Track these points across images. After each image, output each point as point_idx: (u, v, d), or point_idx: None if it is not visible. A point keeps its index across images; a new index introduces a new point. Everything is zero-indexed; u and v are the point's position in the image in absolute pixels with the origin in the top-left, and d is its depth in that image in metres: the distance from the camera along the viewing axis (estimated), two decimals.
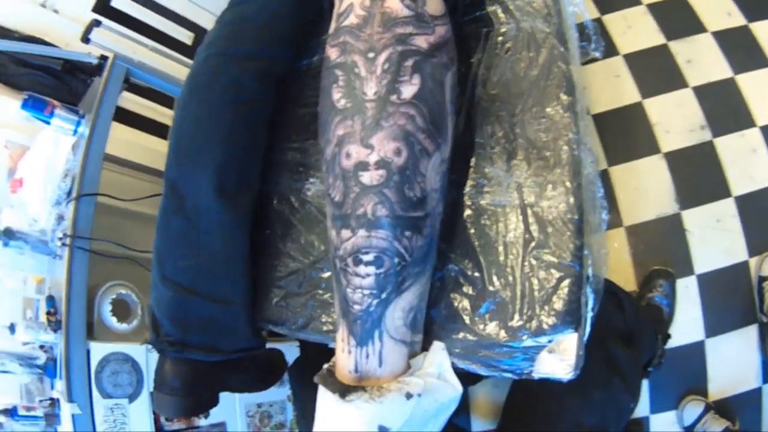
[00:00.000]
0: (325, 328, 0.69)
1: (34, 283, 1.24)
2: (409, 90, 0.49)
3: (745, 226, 1.40)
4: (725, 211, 1.42)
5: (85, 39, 1.44)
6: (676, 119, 1.50)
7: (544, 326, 0.53)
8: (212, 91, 0.77)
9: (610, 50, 1.62)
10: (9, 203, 1.20)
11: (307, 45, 0.87)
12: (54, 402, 1.07)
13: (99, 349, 1.08)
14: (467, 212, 0.61)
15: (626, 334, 0.88)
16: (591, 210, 0.64)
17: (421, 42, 0.50)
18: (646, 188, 1.45)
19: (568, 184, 0.56)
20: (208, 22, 2.12)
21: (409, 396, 0.49)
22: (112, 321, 1.17)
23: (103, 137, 1.14)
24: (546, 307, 0.54)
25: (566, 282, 0.54)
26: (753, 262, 1.38)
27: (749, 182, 1.44)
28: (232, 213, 0.75)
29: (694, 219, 1.41)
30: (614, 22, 1.65)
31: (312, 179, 0.77)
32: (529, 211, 0.57)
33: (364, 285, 0.50)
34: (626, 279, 1.38)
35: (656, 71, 1.56)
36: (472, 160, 0.62)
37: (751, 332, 1.36)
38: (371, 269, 0.50)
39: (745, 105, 1.50)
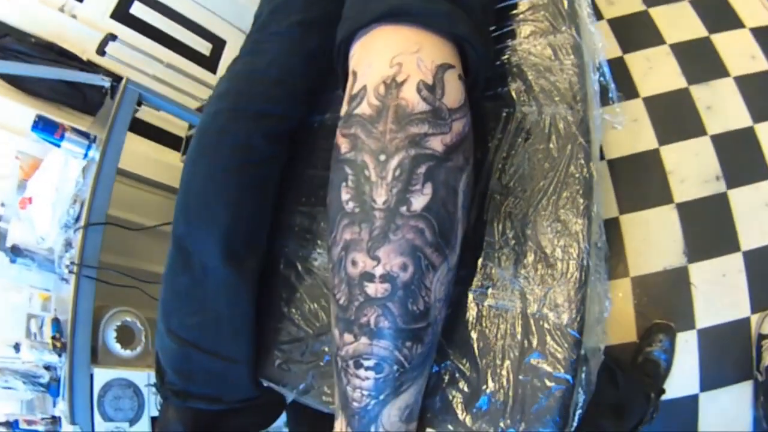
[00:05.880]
0: (324, 398, 0.71)
1: (39, 300, 1.25)
2: (420, 201, 0.48)
3: (750, 282, 1.39)
4: (732, 265, 1.41)
5: (101, 52, 1.43)
6: (691, 168, 1.48)
7: (532, 430, 0.55)
8: (221, 151, 0.75)
9: (631, 92, 1.58)
10: (18, 217, 1.20)
11: (320, 100, 0.84)
12: (56, 420, 1.10)
13: (103, 375, 1.10)
14: (470, 312, 0.61)
15: (618, 406, 0.89)
16: (595, 299, 0.65)
17: (436, 144, 0.48)
18: (655, 239, 1.44)
19: (572, 295, 0.57)
20: (227, 34, 2.09)
21: None
22: (116, 347, 1.18)
23: (114, 163, 1.12)
24: (536, 413, 0.55)
25: (559, 392, 0.55)
26: (754, 319, 1.37)
27: (759, 237, 1.42)
28: (238, 277, 0.74)
29: (701, 273, 1.40)
30: (636, 62, 1.63)
31: (319, 249, 0.78)
32: (530, 320, 0.58)
33: (364, 386, 0.51)
34: (627, 331, 1.38)
35: (675, 117, 1.54)
36: (480, 260, 0.62)
37: (746, 389, 1.35)
38: (371, 374, 0.51)
39: (762, 156, 1.48)
